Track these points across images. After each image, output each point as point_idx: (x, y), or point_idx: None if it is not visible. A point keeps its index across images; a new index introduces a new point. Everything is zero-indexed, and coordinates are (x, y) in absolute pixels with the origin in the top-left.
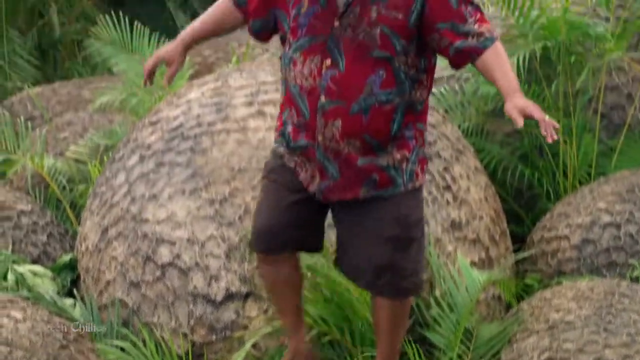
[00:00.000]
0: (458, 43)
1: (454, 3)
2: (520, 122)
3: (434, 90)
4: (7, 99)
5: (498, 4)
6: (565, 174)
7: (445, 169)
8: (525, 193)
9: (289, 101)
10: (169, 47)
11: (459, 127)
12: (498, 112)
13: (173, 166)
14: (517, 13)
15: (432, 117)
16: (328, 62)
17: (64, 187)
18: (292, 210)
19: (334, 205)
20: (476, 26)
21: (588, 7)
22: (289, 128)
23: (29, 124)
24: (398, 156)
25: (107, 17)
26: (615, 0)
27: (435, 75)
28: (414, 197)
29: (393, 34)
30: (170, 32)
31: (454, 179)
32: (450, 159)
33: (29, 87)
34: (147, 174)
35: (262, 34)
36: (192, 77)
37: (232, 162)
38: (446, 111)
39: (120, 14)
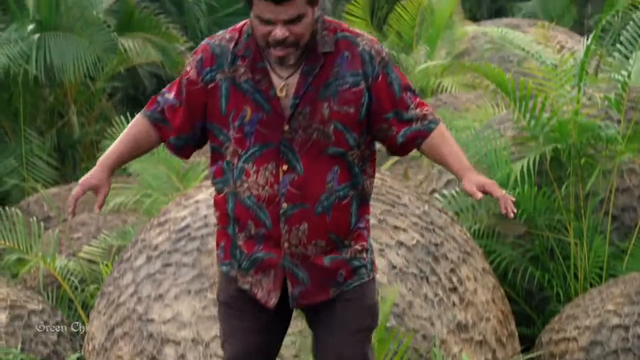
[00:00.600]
0: (404, 130)
1: (397, 91)
2: (479, 195)
3: (445, 192)
4: (24, 199)
5: (510, 106)
6: (576, 276)
7: (452, 270)
8: (536, 295)
9: (242, 214)
10: (94, 175)
11: (470, 229)
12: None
13: (179, 266)
14: (528, 115)
15: (440, 219)
16: (284, 167)
17: (76, 287)
18: (261, 332)
19: (303, 308)
20: (418, 110)
21: (599, 108)
22: (240, 243)
23: (42, 224)
24: (358, 248)
25: (123, 117)
26: (627, 102)
27: (448, 177)
28: (374, 285)
29: (346, 129)
30: None
31: (460, 280)
32: (457, 260)
33: (45, 187)
34: (153, 274)
35: (185, 150)
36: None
37: None
38: (457, 213)
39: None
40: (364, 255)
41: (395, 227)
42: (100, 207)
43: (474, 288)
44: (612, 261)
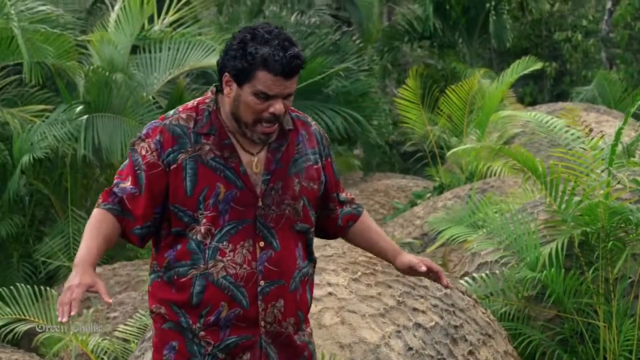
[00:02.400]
0: (343, 211)
1: (336, 174)
2: (423, 268)
3: (475, 275)
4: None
5: (541, 191)
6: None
7: (471, 352)
8: None
9: (213, 296)
10: (85, 277)
11: (499, 312)
12: (539, 297)
13: None
14: (558, 199)
15: (462, 302)
16: (261, 243)
17: None
18: None
19: None
20: (346, 194)
21: (631, 191)
22: (201, 334)
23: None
24: (309, 330)
25: None
26: None
27: (480, 260)
28: None
29: (310, 205)
30: None
31: None
32: (477, 342)
33: None
34: None
35: (147, 239)
36: None
37: None
38: (487, 296)
39: None
40: (312, 338)
41: (414, 309)
42: (109, 303)
43: None
44: None
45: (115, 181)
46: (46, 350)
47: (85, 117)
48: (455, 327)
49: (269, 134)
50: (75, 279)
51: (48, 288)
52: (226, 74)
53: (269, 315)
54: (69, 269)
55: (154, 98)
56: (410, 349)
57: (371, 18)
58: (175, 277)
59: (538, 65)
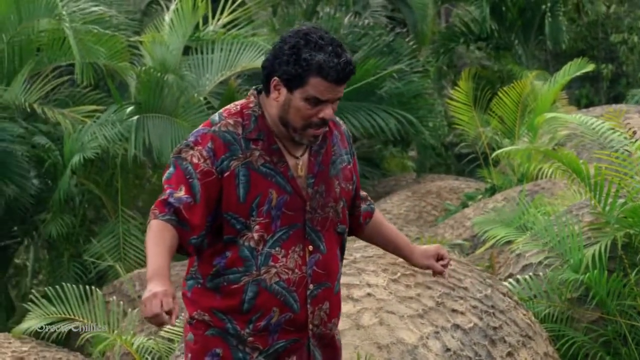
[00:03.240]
0: (362, 208)
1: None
2: (440, 269)
3: (518, 277)
4: (117, 278)
5: (587, 194)
6: None
7: (510, 354)
8: None
9: (266, 302)
10: (167, 287)
11: (542, 313)
12: (582, 299)
13: None
14: (602, 201)
15: (502, 303)
16: (310, 247)
17: None
18: None
19: None
20: (362, 192)
21: None
22: (250, 339)
23: (121, 303)
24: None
25: None
26: None
27: (525, 262)
28: None
29: (346, 207)
30: None
31: None
32: (516, 344)
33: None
34: None
35: (200, 248)
36: None
37: None
38: (530, 298)
39: None
40: None
41: (453, 310)
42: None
43: None
44: None
45: (167, 191)
46: (92, 349)
47: (135, 117)
48: (495, 328)
49: (318, 136)
50: (156, 286)
51: (94, 287)
52: (275, 78)
53: (316, 317)
54: (116, 268)
55: (205, 99)
56: (448, 350)
57: (425, 20)
58: (225, 284)
59: (590, 67)
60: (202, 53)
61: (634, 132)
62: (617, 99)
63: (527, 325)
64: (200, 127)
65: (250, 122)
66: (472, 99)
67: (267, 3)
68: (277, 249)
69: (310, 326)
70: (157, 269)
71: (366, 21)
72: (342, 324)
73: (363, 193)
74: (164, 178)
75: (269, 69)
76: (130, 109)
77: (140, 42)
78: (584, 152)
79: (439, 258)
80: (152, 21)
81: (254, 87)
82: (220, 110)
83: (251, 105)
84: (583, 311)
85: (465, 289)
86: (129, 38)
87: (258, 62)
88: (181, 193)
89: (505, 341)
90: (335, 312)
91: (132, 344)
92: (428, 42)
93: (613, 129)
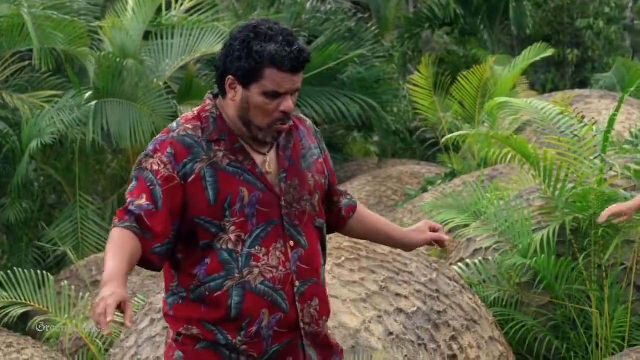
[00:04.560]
0: (343, 202)
1: (332, 166)
2: (445, 237)
3: (468, 261)
4: (74, 263)
5: (537, 178)
6: (597, 346)
7: (453, 337)
8: None
9: (253, 305)
10: (119, 289)
11: (491, 297)
12: (531, 284)
13: None
14: (552, 186)
15: (448, 287)
16: (291, 243)
17: (106, 350)
18: None
19: None
20: (339, 187)
21: (623, 178)
22: (242, 348)
23: (73, 288)
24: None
25: None
26: None
27: (475, 246)
28: None
29: (322, 201)
30: None
31: (462, 348)
32: (460, 328)
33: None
34: (154, 337)
35: (165, 259)
36: None
37: None
38: (480, 283)
39: None
40: None
41: (397, 294)
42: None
43: (477, 355)
44: (635, 332)
45: (128, 200)
46: (45, 334)
47: (94, 102)
48: (439, 312)
49: (282, 132)
50: (107, 290)
51: (46, 273)
52: (230, 77)
53: (306, 315)
54: (77, 253)
55: (165, 84)
56: (391, 334)
57: (388, 5)
58: (207, 294)
59: (549, 52)
60: (162, 38)
61: (583, 117)
62: (583, 83)
63: (473, 309)
64: (159, 135)
65: (209, 124)
66: (434, 84)
67: None
68: (257, 247)
69: (302, 324)
70: (110, 274)
71: (329, 6)
72: None
73: (341, 188)
74: (126, 192)
75: (221, 68)
76: (88, 94)
77: (101, 28)
78: (542, 137)
79: (433, 230)
80: (114, 6)
81: (209, 91)
82: (178, 119)
83: (207, 107)
84: (532, 296)
85: (410, 273)
86: (89, 23)
87: (218, 47)
88: (142, 201)
89: (449, 325)
90: (324, 308)
91: (84, 328)
92: (391, 27)
93: (562, 113)
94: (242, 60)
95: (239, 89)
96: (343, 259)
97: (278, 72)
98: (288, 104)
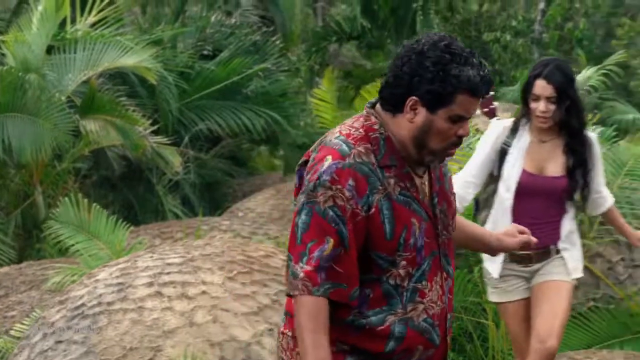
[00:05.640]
0: None
1: None
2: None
3: None
4: None
5: None
6: (494, 358)
7: None
8: None
9: (412, 342)
10: None
11: None
12: None
13: (70, 344)
14: None
15: None
16: (444, 274)
17: None
18: None
19: None
20: None
21: None
22: None
23: None
24: None
25: (67, 199)
26: None
27: None
28: None
29: None
30: (159, 215)
31: None
32: None
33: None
34: (46, 351)
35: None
36: None
37: (124, 341)
38: None
39: (112, 197)
40: None
41: None
42: None
43: None
44: None
45: (314, 251)
46: None
47: None
48: None
49: (452, 156)
50: None
51: None
52: (413, 98)
53: (443, 344)
54: None
55: (68, 98)
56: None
57: (293, 19)
58: (367, 327)
59: None
60: (65, 52)
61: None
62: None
63: None
64: (329, 160)
65: (379, 146)
66: (338, 97)
67: (136, 2)
68: (423, 282)
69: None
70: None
71: (233, 20)
72: (176, 322)
73: None
74: (298, 229)
75: (405, 87)
76: None
77: (4, 42)
78: None
79: (521, 232)
80: (18, 21)
81: (367, 104)
82: (340, 136)
83: (375, 126)
84: None
85: None
86: None
87: (121, 61)
88: (329, 246)
89: None
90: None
91: None
92: (297, 41)
93: None
94: (434, 83)
95: (422, 111)
96: (235, 272)
97: (470, 97)
98: (467, 128)
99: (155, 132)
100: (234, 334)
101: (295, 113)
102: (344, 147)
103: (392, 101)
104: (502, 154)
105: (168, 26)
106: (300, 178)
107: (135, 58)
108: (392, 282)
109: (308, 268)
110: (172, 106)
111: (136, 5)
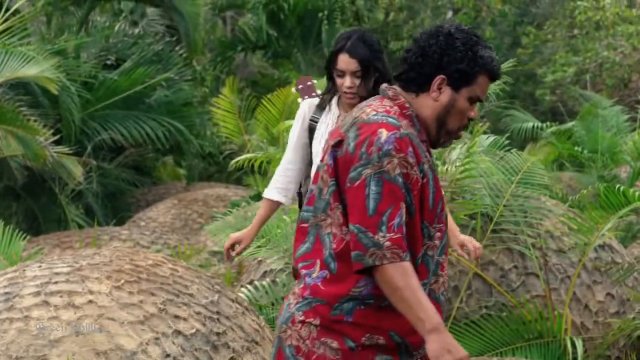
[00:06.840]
0: None
1: None
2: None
3: (257, 283)
4: None
5: None
6: None
7: (232, 359)
8: None
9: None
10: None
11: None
12: None
13: None
14: None
15: (230, 309)
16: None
17: None
18: None
19: None
20: None
21: None
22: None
23: None
24: None
25: None
26: None
27: (266, 268)
28: None
29: None
30: (62, 224)
31: None
32: (240, 349)
33: None
34: None
35: None
36: None
37: (10, 350)
38: (272, 303)
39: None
40: None
41: (176, 316)
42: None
43: None
44: None
45: (395, 218)
46: None
47: None
48: (218, 334)
49: (458, 138)
50: (461, 351)
51: None
52: (442, 76)
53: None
54: None
55: None
56: (168, 355)
57: (197, 28)
58: None
59: None
60: None
61: None
62: None
63: (255, 330)
64: (384, 131)
65: (414, 122)
66: (238, 107)
67: (41, 12)
68: (443, 256)
69: None
70: (440, 324)
71: (136, 30)
72: (62, 332)
73: None
74: (370, 200)
75: (434, 66)
76: None
77: None
78: None
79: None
80: None
81: (393, 85)
82: (379, 113)
83: (407, 105)
84: None
85: (191, 295)
86: None
87: (22, 72)
88: (403, 211)
89: (228, 346)
90: None
91: None
92: (200, 50)
93: None
94: (464, 62)
95: (447, 90)
96: (122, 281)
97: (487, 79)
98: (475, 111)
99: (57, 142)
100: (119, 343)
101: (201, 122)
102: (392, 119)
103: (419, 81)
104: (311, 131)
105: (70, 35)
106: (334, 159)
107: (37, 68)
108: (430, 253)
109: (393, 236)
110: (75, 116)
111: (41, 14)
